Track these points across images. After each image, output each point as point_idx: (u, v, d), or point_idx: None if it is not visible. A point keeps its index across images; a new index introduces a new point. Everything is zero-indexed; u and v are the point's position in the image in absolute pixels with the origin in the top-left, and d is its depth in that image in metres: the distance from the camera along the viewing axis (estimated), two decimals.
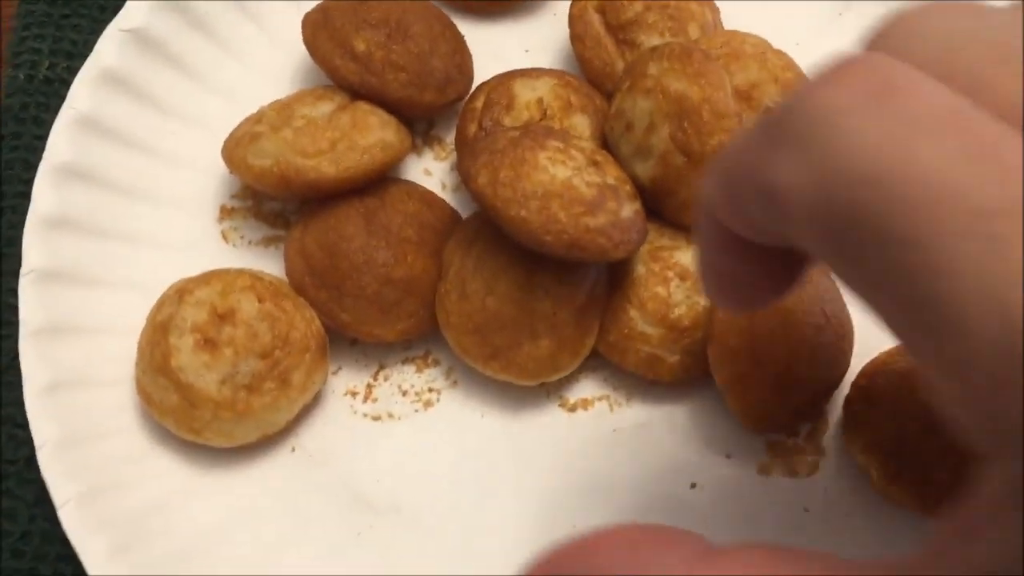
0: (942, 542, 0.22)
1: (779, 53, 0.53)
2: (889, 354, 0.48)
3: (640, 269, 0.49)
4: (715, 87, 0.47)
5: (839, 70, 0.23)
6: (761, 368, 0.46)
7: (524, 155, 0.45)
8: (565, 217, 0.44)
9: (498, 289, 0.47)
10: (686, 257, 0.49)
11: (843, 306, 0.49)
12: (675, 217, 0.51)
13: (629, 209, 0.47)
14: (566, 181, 0.45)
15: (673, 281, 0.49)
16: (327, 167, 0.49)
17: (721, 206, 0.28)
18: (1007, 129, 0.21)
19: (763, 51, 0.52)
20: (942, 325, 0.21)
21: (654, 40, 0.54)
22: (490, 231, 0.48)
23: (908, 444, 0.44)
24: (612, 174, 0.48)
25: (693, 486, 0.49)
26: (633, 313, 0.48)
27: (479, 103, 0.54)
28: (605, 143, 0.52)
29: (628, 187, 0.48)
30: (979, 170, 0.21)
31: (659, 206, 0.50)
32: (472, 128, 0.53)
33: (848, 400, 0.48)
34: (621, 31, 0.55)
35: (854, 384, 0.48)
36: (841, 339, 0.48)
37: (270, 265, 0.52)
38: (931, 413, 0.40)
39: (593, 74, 0.56)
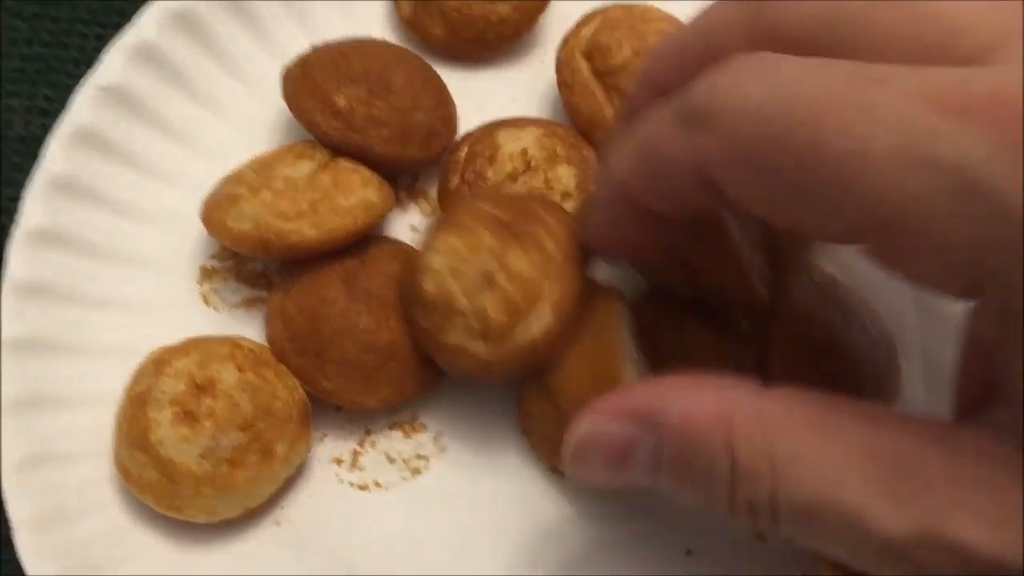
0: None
1: None
2: None
3: None
4: None
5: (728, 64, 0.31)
6: None
7: None
8: None
9: None
10: None
11: None
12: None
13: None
14: None
15: None
16: (308, 230, 0.47)
17: (639, 182, 0.36)
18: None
19: None
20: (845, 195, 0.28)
21: None
22: None
23: None
24: None
25: (689, 553, 0.47)
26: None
27: (462, 155, 0.52)
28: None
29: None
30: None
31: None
32: (455, 181, 0.52)
33: None
34: (609, 77, 0.53)
35: None
36: None
37: (253, 328, 0.51)
38: None
39: (581, 121, 0.54)
